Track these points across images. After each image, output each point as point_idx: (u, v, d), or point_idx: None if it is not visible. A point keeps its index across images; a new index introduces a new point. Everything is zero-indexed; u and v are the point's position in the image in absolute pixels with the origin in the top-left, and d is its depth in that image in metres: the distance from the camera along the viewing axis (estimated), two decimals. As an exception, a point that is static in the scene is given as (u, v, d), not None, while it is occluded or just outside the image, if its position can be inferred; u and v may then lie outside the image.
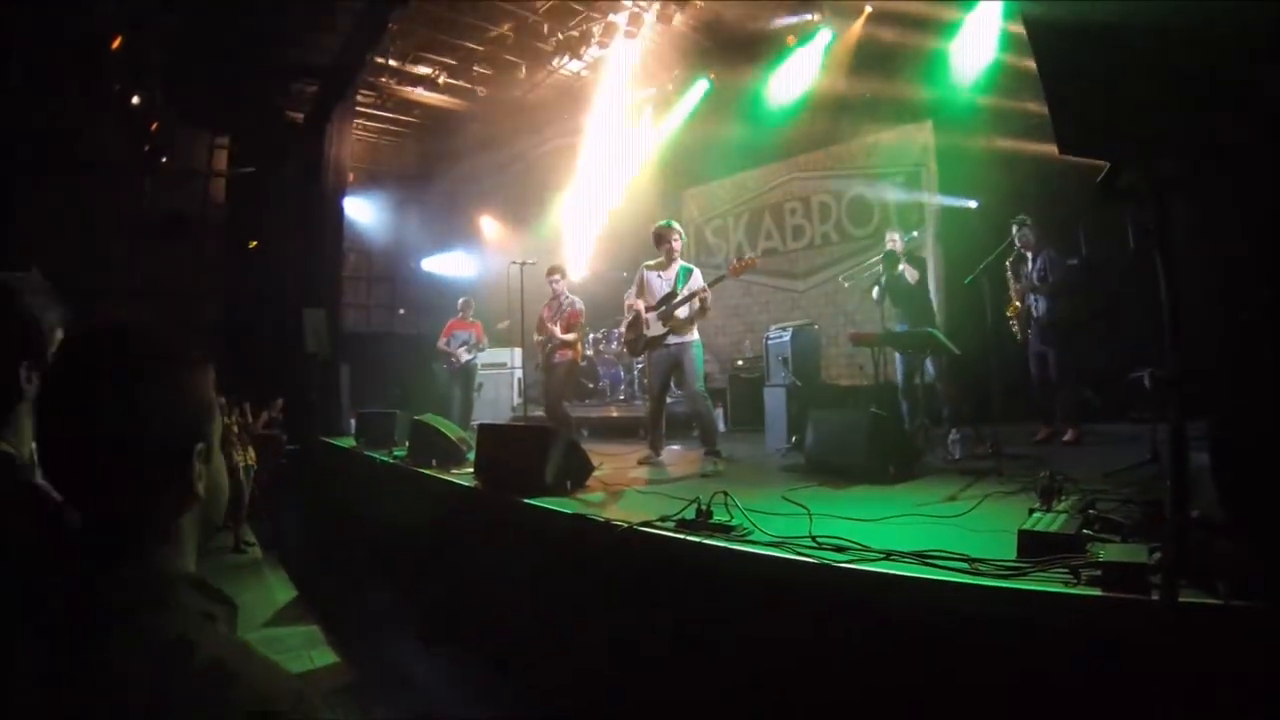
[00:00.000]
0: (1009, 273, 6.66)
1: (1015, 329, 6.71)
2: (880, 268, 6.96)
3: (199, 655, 0.82)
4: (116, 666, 0.80)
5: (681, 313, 6.22)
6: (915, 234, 7.25)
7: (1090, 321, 6.46)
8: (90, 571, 0.89)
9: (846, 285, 7.29)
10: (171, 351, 0.98)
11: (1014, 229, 6.51)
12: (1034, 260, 6.53)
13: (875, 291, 7.02)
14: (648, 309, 6.39)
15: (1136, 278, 5.65)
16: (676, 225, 6.53)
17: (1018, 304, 6.66)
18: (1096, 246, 6.72)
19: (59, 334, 1.61)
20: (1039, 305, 6.51)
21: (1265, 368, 2.08)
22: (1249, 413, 2.11)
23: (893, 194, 9.64)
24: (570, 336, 7.63)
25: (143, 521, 0.93)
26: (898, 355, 6.97)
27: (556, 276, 7.90)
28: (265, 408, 10.46)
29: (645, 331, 6.39)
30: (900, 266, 6.87)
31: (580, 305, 7.80)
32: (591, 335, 10.52)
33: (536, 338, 7.97)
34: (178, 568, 0.95)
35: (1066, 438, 6.23)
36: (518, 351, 10.60)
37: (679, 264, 6.41)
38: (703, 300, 6.17)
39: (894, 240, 7.11)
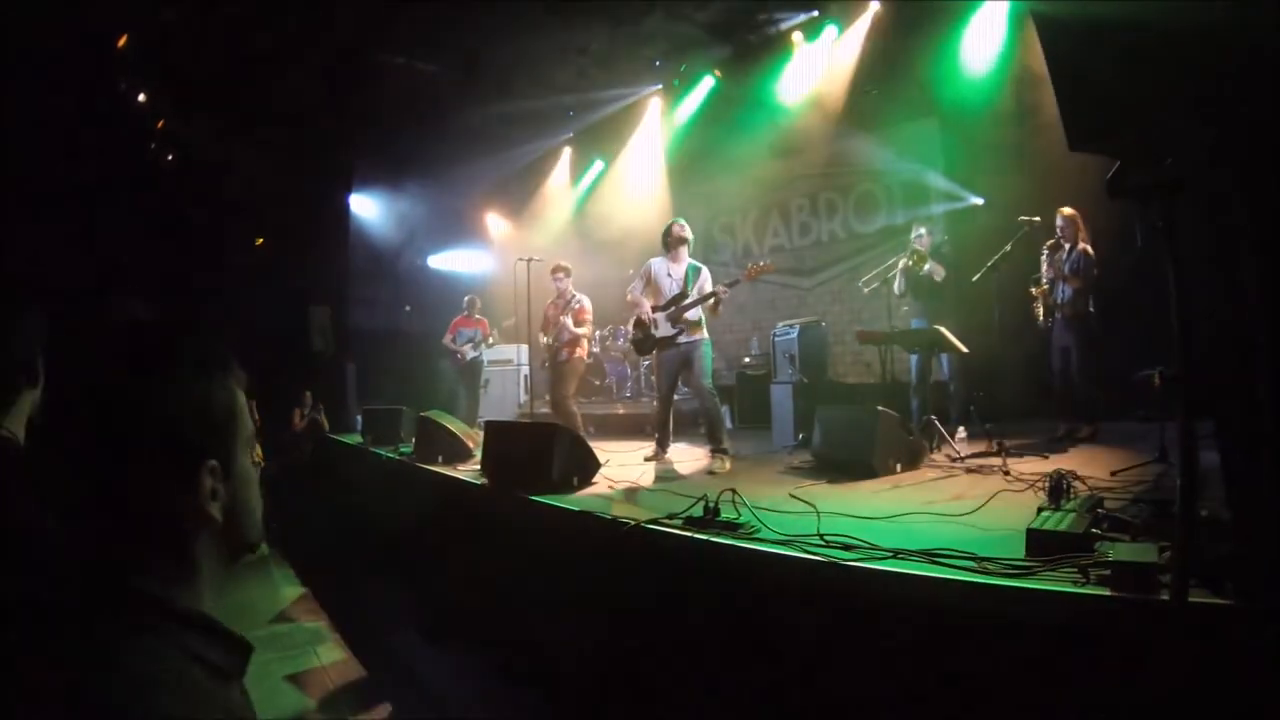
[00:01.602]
0: (1044, 254, 6.64)
1: (1038, 310, 6.68)
2: (903, 263, 6.97)
3: (166, 697, 0.72)
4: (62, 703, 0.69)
5: (690, 314, 6.21)
6: (924, 231, 7.22)
7: (1102, 318, 6.45)
8: (67, 591, 0.79)
9: (866, 291, 7.27)
10: (184, 353, 0.88)
11: (1057, 218, 6.51)
12: (1070, 251, 6.52)
13: (897, 285, 7.03)
14: (654, 309, 6.39)
15: (1144, 276, 5.63)
16: (685, 224, 6.53)
17: (1045, 286, 6.63)
18: (1104, 244, 6.68)
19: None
20: (1065, 294, 6.49)
21: (1273, 366, 2.06)
22: (1258, 412, 2.10)
23: (900, 191, 9.62)
24: (581, 331, 7.61)
25: (136, 542, 0.82)
26: (912, 353, 6.95)
27: (561, 274, 7.88)
28: (300, 406, 10.51)
29: (654, 332, 6.38)
30: (927, 265, 6.86)
31: (587, 303, 7.79)
32: (598, 333, 10.52)
33: (543, 339, 7.96)
34: (183, 597, 0.83)
35: (1082, 434, 6.21)
36: (524, 348, 10.61)
37: (688, 262, 6.40)
38: (718, 298, 6.16)
39: (921, 236, 7.10)
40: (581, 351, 7.73)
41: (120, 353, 0.86)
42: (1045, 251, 6.62)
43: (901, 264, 7.00)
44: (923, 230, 7.18)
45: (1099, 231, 6.55)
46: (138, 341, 0.88)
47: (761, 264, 6.45)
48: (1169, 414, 4.21)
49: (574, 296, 7.77)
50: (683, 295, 6.25)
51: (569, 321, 7.57)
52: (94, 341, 0.88)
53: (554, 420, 7.08)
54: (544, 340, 7.95)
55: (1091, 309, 6.39)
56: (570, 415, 7.51)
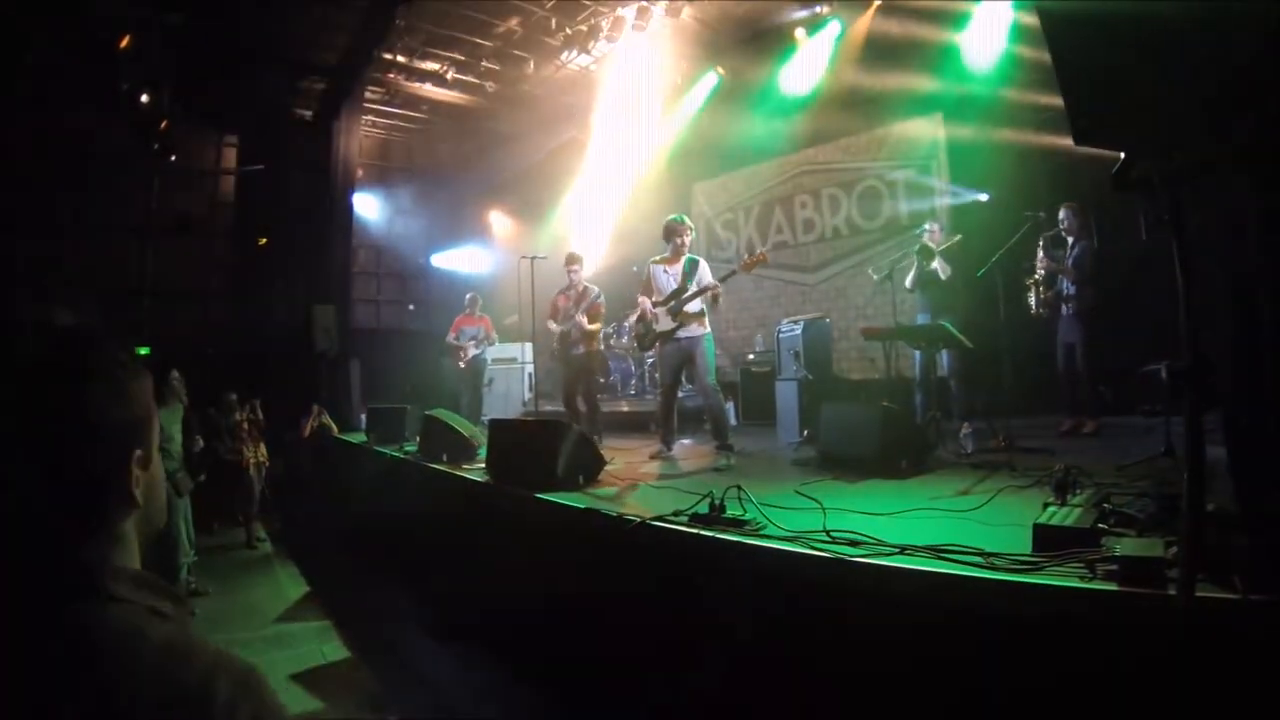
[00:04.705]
0: (1040, 246, 6.62)
1: (1030, 300, 6.67)
2: (915, 260, 6.99)
3: (149, 640, 0.82)
4: (69, 655, 0.79)
5: (691, 307, 6.21)
6: (927, 226, 7.22)
7: (1106, 313, 6.44)
8: (31, 567, 0.86)
9: (876, 278, 7.29)
10: (112, 356, 0.95)
11: (1060, 211, 6.52)
12: (1072, 246, 6.50)
13: (909, 280, 7.08)
14: (655, 304, 6.40)
15: (1149, 270, 5.61)
16: (688, 220, 6.51)
17: (1040, 275, 6.61)
18: (1109, 239, 6.66)
19: None
20: (1068, 289, 6.48)
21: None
22: (1265, 405, 2.09)
23: (903, 187, 9.61)
24: (595, 327, 7.56)
25: (83, 526, 0.90)
26: (915, 348, 6.95)
27: (576, 266, 7.80)
28: (307, 417, 10.51)
29: (655, 326, 6.39)
30: (934, 262, 6.86)
31: (602, 296, 7.72)
32: (603, 330, 10.52)
33: (553, 325, 7.82)
34: (124, 565, 0.92)
35: (1086, 429, 6.21)
36: (528, 346, 10.62)
37: (685, 256, 6.40)
38: (715, 295, 6.16)
39: (932, 232, 7.11)
40: (596, 345, 7.68)
41: (55, 356, 0.91)
42: (1042, 243, 6.61)
43: (917, 259, 7.03)
44: (934, 227, 7.20)
45: (1102, 225, 6.54)
46: (70, 345, 0.93)
47: (757, 254, 6.43)
48: (1175, 408, 4.19)
49: (589, 288, 7.70)
50: (682, 289, 6.26)
51: (584, 320, 7.50)
52: (31, 348, 0.91)
53: (560, 417, 7.07)
54: (553, 327, 7.82)
55: (1096, 304, 6.38)
56: (577, 410, 7.48)
